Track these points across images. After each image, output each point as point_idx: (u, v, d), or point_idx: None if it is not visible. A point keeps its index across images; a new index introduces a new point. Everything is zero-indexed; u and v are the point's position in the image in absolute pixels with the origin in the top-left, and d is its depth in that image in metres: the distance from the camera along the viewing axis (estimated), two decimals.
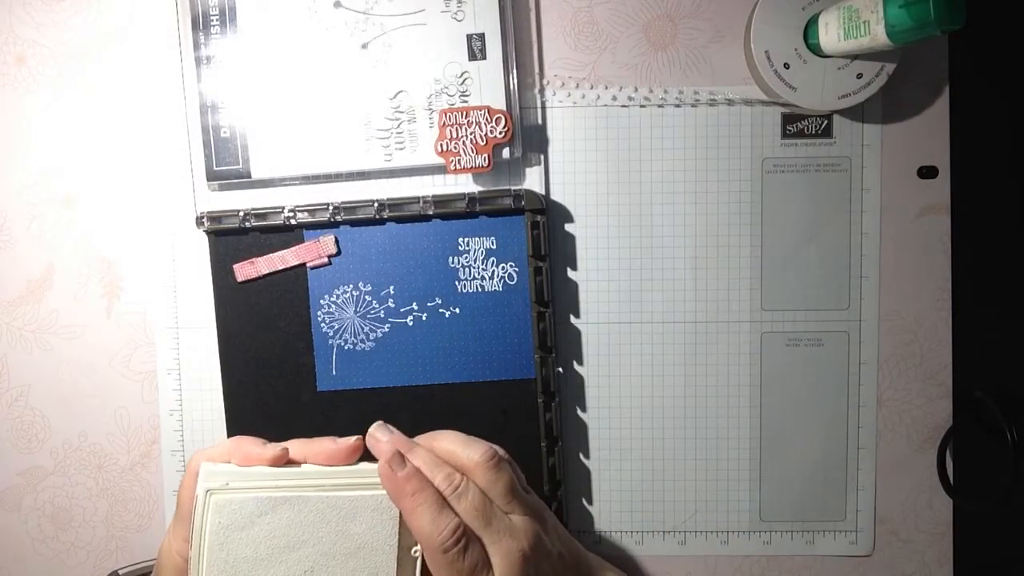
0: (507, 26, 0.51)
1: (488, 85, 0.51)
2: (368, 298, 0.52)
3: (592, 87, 0.53)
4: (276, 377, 0.53)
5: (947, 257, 0.53)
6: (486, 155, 0.50)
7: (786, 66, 0.49)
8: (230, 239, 0.52)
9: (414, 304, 0.52)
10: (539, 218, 0.51)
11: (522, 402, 0.52)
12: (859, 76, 0.49)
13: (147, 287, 0.54)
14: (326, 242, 0.52)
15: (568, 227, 0.53)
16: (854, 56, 0.48)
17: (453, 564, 0.40)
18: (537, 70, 0.53)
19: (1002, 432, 0.51)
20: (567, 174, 0.53)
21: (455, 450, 0.43)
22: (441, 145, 0.51)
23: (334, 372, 0.53)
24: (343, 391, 0.53)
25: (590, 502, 0.54)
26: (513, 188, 0.52)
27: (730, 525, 0.54)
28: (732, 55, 0.52)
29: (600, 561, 0.48)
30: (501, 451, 0.44)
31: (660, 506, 0.54)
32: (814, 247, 0.53)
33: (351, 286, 0.52)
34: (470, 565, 0.40)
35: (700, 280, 0.53)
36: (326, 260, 0.52)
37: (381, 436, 0.44)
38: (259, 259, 0.52)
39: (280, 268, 0.52)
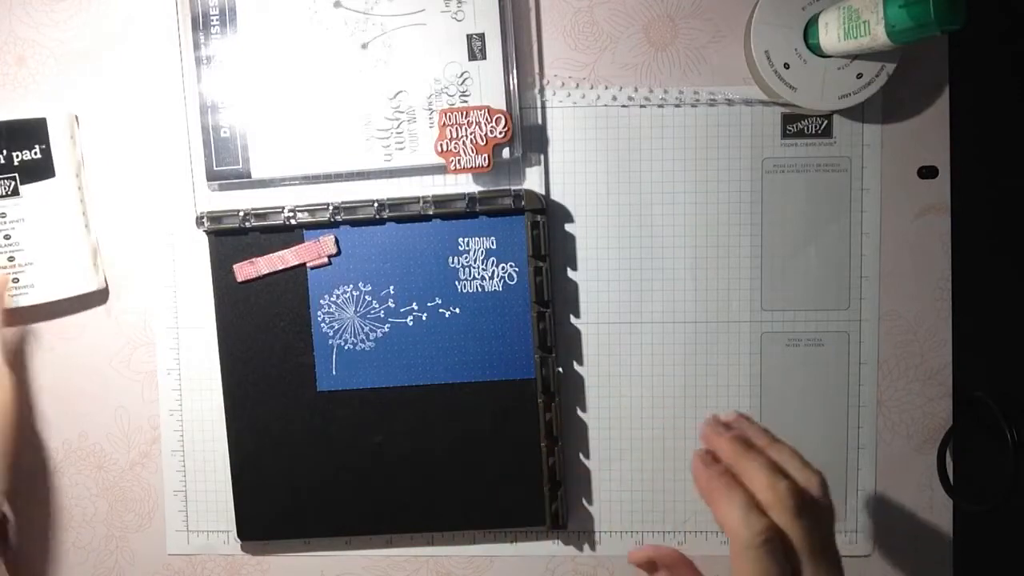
0: (507, 26, 0.51)
1: (488, 85, 0.51)
2: (368, 298, 0.52)
3: (592, 87, 0.53)
4: (276, 377, 0.53)
5: (947, 257, 0.53)
6: (486, 155, 0.50)
7: (786, 66, 0.49)
8: (230, 239, 0.52)
9: (414, 304, 0.52)
10: (539, 218, 0.51)
11: (522, 402, 0.52)
12: (859, 76, 0.49)
13: (147, 287, 0.54)
14: (326, 242, 0.52)
15: (568, 227, 0.53)
16: (854, 56, 0.48)
17: (759, 562, 0.38)
18: (537, 70, 0.53)
19: (1002, 432, 0.51)
20: (567, 174, 0.53)
21: (799, 469, 0.41)
22: (441, 145, 0.51)
23: (334, 372, 0.53)
24: (343, 391, 0.53)
25: (590, 502, 0.54)
26: (513, 188, 0.52)
27: None
28: (732, 55, 0.52)
29: None
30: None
31: (660, 506, 0.54)
32: (814, 247, 0.53)
33: (351, 286, 0.52)
34: (777, 571, 0.38)
35: (700, 280, 0.53)
36: (326, 260, 0.52)
37: (715, 432, 0.43)
38: (259, 259, 0.52)
39: (280, 268, 0.52)
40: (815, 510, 0.39)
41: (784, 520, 0.39)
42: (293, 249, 0.52)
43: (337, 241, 0.52)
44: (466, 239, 0.52)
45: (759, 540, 0.38)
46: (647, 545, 0.44)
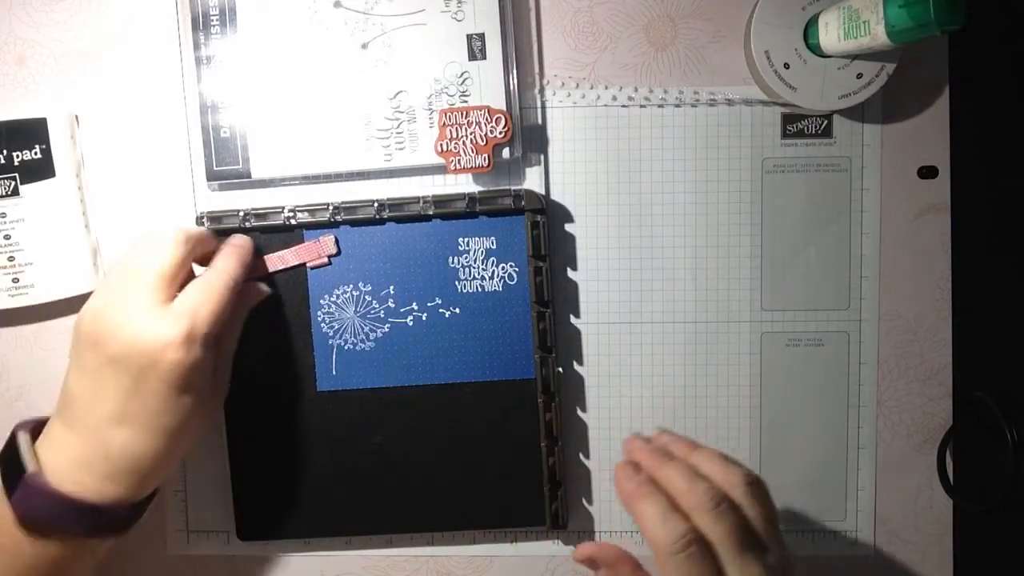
0: (507, 26, 0.51)
1: (488, 85, 0.51)
2: (368, 298, 0.52)
3: (592, 87, 0.53)
4: (276, 377, 0.53)
5: (947, 257, 0.53)
6: (486, 155, 0.50)
7: (786, 66, 0.49)
8: None
9: (414, 304, 0.52)
10: (539, 218, 0.51)
11: (522, 402, 0.52)
12: (859, 76, 0.49)
13: None
14: (326, 242, 0.52)
15: (568, 227, 0.53)
16: (854, 56, 0.48)
17: (680, 567, 0.37)
18: (537, 70, 0.53)
19: (1002, 432, 0.51)
20: (567, 174, 0.53)
21: (717, 469, 0.41)
22: (441, 145, 0.51)
23: (334, 372, 0.53)
24: (343, 391, 0.53)
25: (590, 502, 0.54)
26: (513, 188, 0.52)
27: None
28: (732, 55, 0.52)
29: None
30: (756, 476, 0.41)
31: None
32: (814, 247, 0.53)
33: (351, 286, 0.52)
34: (699, 573, 0.37)
35: (700, 280, 0.53)
36: (326, 260, 0.52)
37: (637, 447, 0.43)
38: (259, 259, 0.52)
39: (280, 268, 0.52)
40: (739, 509, 0.38)
41: (704, 522, 0.38)
42: (293, 249, 0.52)
43: (337, 241, 0.52)
44: (466, 239, 0.52)
45: (679, 545, 0.37)
46: (589, 543, 0.43)
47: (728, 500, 0.39)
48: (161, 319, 0.43)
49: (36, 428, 0.46)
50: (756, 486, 0.40)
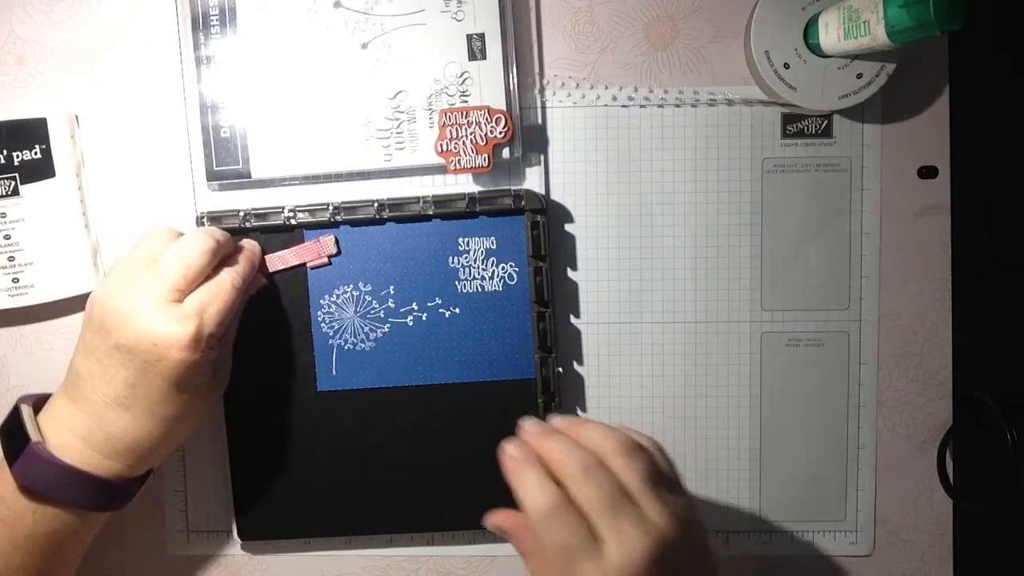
0: (507, 26, 0.51)
1: (488, 85, 0.51)
2: (368, 298, 0.52)
3: (592, 87, 0.53)
4: (276, 377, 0.53)
5: (947, 257, 0.53)
6: (486, 155, 0.50)
7: (786, 66, 0.49)
8: None
9: (414, 304, 0.52)
10: (539, 218, 0.51)
11: (522, 402, 0.52)
12: (859, 76, 0.49)
13: None
14: (326, 242, 0.52)
15: (568, 227, 0.53)
16: (854, 56, 0.48)
17: (551, 536, 0.38)
18: (537, 70, 0.53)
19: (1002, 432, 0.51)
20: (567, 174, 0.53)
21: (595, 436, 0.41)
22: (441, 145, 0.51)
23: (334, 372, 0.53)
24: (343, 391, 0.53)
25: None
26: (513, 188, 0.52)
27: (730, 525, 0.54)
28: (732, 55, 0.52)
29: None
30: (647, 441, 0.42)
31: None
32: (814, 247, 0.53)
33: (351, 286, 0.52)
34: (570, 543, 0.37)
35: (700, 280, 0.53)
36: (326, 260, 0.52)
37: (526, 427, 0.43)
38: (260, 259, 0.52)
39: (280, 268, 0.52)
40: (612, 474, 0.39)
41: (576, 488, 0.39)
42: (293, 249, 0.52)
43: (337, 241, 0.52)
44: (466, 239, 0.52)
45: (547, 511, 0.38)
46: (497, 512, 0.44)
47: (601, 466, 0.39)
48: (171, 318, 0.44)
49: (39, 402, 0.48)
50: (635, 450, 0.40)
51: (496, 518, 0.44)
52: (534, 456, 0.41)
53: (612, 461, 0.39)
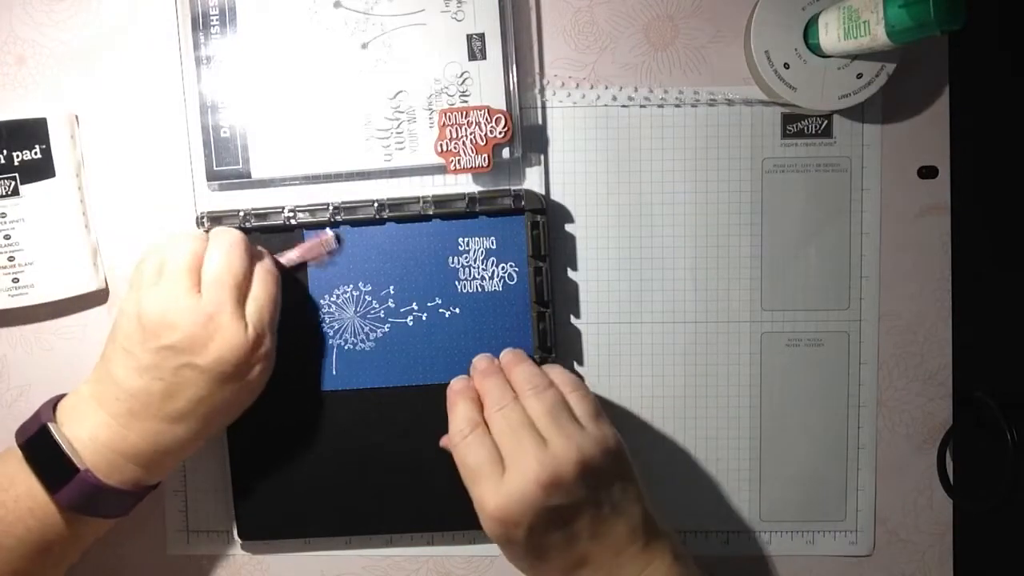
0: (507, 26, 0.51)
1: (488, 85, 0.51)
2: (368, 298, 0.52)
3: (592, 87, 0.53)
4: (276, 377, 0.52)
5: (947, 257, 0.53)
6: (486, 155, 0.50)
7: (786, 66, 0.49)
8: None
9: (414, 304, 0.52)
10: (539, 218, 0.51)
11: None
12: (859, 76, 0.49)
13: None
14: (327, 239, 0.52)
15: (568, 227, 0.53)
16: (854, 56, 0.48)
17: (461, 458, 0.44)
18: (537, 70, 0.53)
19: (1002, 432, 0.51)
20: (567, 174, 0.53)
21: (517, 375, 0.47)
22: (441, 145, 0.51)
23: (334, 372, 0.53)
24: (343, 391, 0.53)
25: None
26: (513, 188, 0.52)
27: (730, 525, 0.54)
28: (732, 55, 0.52)
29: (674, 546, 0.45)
30: (570, 380, 0.46)
31: (660, 506, 0.54)
32: (814, 247, 0.53)
33: (351, 286, 0.52)
34: (474, 464, 0.43)
35: (700, 280, 0.53)
36: (333, 247, 0.52)
37: (475, 363, 0.50)
38: None
39: (285, 267, 0.52)
40: (520, 407, 0.44)
41: (491, 419, 0.45)
42: (296, 248, 0.52)
43: (338, 237, 0.52)
44: (466, 239, 0.52)
45: (461, 434, 0.44)
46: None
47: (515, 402, 0.45)
48: (241, 326, 0.45)
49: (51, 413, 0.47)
50: (545, 388, 0.45)
51: (443, 439, 0.48)
52: (471, 390, 0.47)
53: (524, 398, 0.45)
